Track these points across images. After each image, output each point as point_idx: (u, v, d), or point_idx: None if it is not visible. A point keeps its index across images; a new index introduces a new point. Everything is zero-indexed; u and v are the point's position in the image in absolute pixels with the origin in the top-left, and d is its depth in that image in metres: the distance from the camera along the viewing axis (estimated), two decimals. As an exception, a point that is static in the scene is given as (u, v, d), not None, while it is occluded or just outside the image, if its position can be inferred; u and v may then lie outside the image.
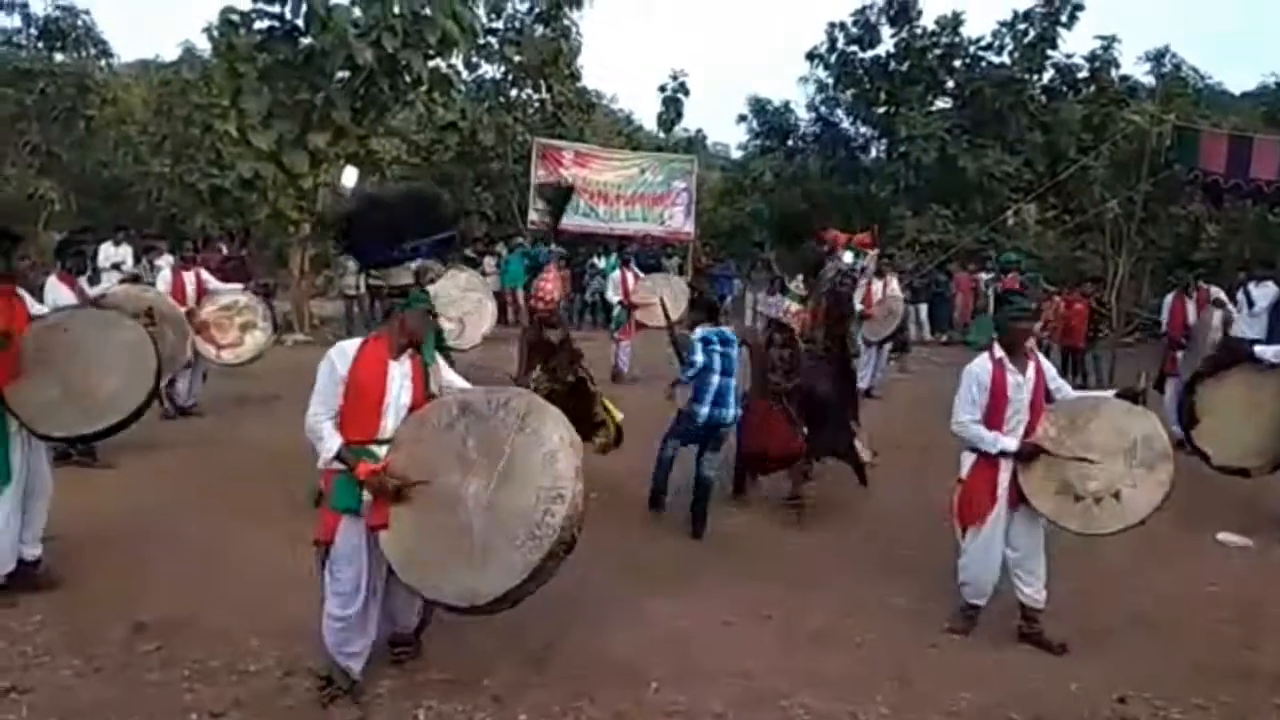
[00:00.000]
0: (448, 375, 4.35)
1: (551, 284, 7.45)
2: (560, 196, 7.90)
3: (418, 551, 3.85)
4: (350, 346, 4.12)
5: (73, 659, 4.36)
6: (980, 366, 4.84)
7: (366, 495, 3.94)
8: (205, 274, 9.65)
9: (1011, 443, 4.78)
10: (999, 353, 4.84)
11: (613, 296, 13.02)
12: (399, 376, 4.09)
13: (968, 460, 4.98)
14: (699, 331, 6.61)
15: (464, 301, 9.61)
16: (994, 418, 4.80)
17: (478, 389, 4.25)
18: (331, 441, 4.00)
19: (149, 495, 6.52)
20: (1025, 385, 4.81)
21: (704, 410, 6.50)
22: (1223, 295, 9.37)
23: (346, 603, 4.02)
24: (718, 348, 6.53)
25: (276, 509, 6.55)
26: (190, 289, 9.32)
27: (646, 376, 11.04)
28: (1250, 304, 9.93)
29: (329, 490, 4.07)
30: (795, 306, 7.19)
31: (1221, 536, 6.62)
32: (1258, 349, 6.78)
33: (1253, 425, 6.63)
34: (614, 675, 4.37)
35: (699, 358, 6.44)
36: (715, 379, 6.49)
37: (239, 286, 9.91)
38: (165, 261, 12.57)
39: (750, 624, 5.08)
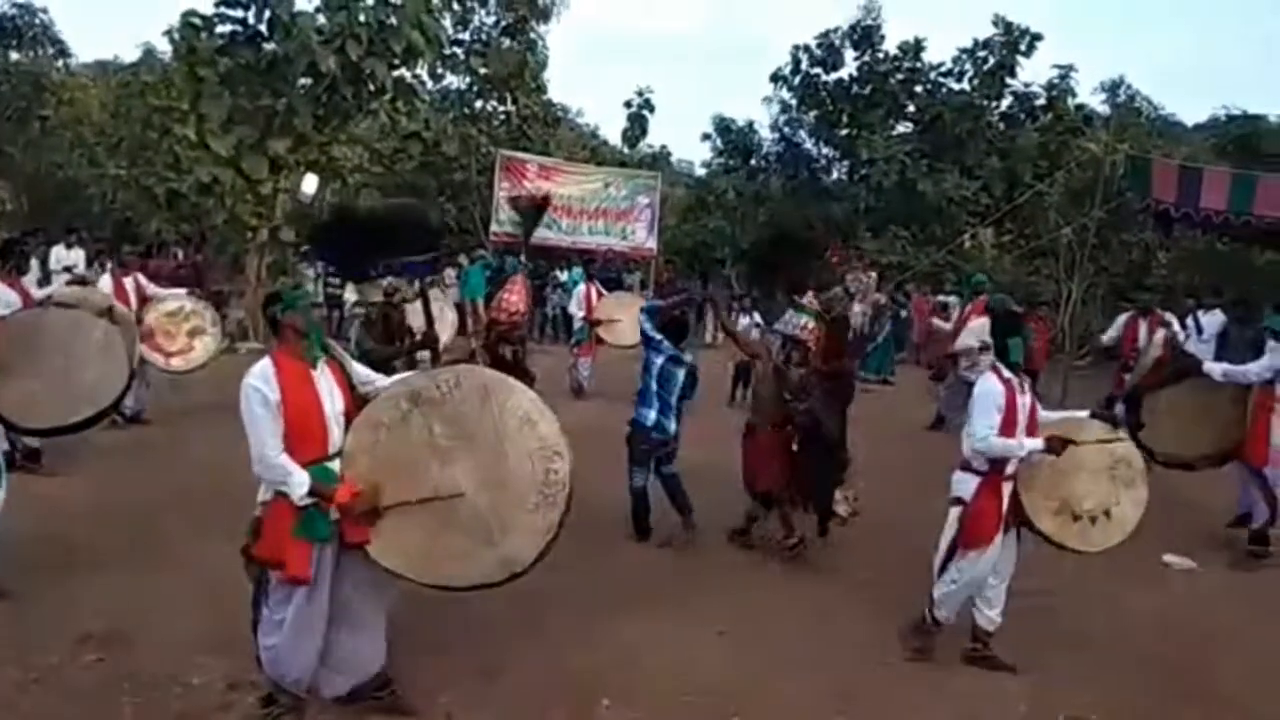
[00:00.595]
0: (361, 372, 4.14)
1: (517, 297, 7.34)
2: (534, 211, 7.88)
3: (432, 550, 3.78)
4: (265, 369, 3.80)
5: (12, 670, 4.26)
6: (993, 385, 4.79)
7: (334, 516, 3.73)
8: (144, 279, 9.46)
9: (1039, 443, 4.77)
10: (1007, 373, 4.85)
11: (576, 312, 12.98)
12: (325, 384, 3.89)
13: (969, 482, 4.85)
14: (660, 336, 6.55)
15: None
16: (1006, 433, 4.78)
17: (417, 374, 4.20)
18: (300, 476, 3.69)
19: (95, 504, 6.38)
20: (1026, 406, 4.85)
21: (651, 414, 6.50)
22: (1173, 320, 9.59)
23: (304, 629, 3.83)
24: (664, 357, 6.51)
25: (223, 521, 6.40)
26: (132, 295, 9.11)
27: (608, 394, 11.02)
28: (1199, 331, 10.16)
29: (291, 521, 3.72)
30: (811, 324, 6.84)
31: (1167, 558, 6.73)
32: (1206, 365, 6.96)
33: (1198, 425, 6.89)
34: (566, 692, 4.34)
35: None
36: (670, 396, 6.51)
37: (183, 291, 9.74)
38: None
39: (702, 641, 5.07)
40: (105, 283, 9.25)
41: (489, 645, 4.62)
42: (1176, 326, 9.70)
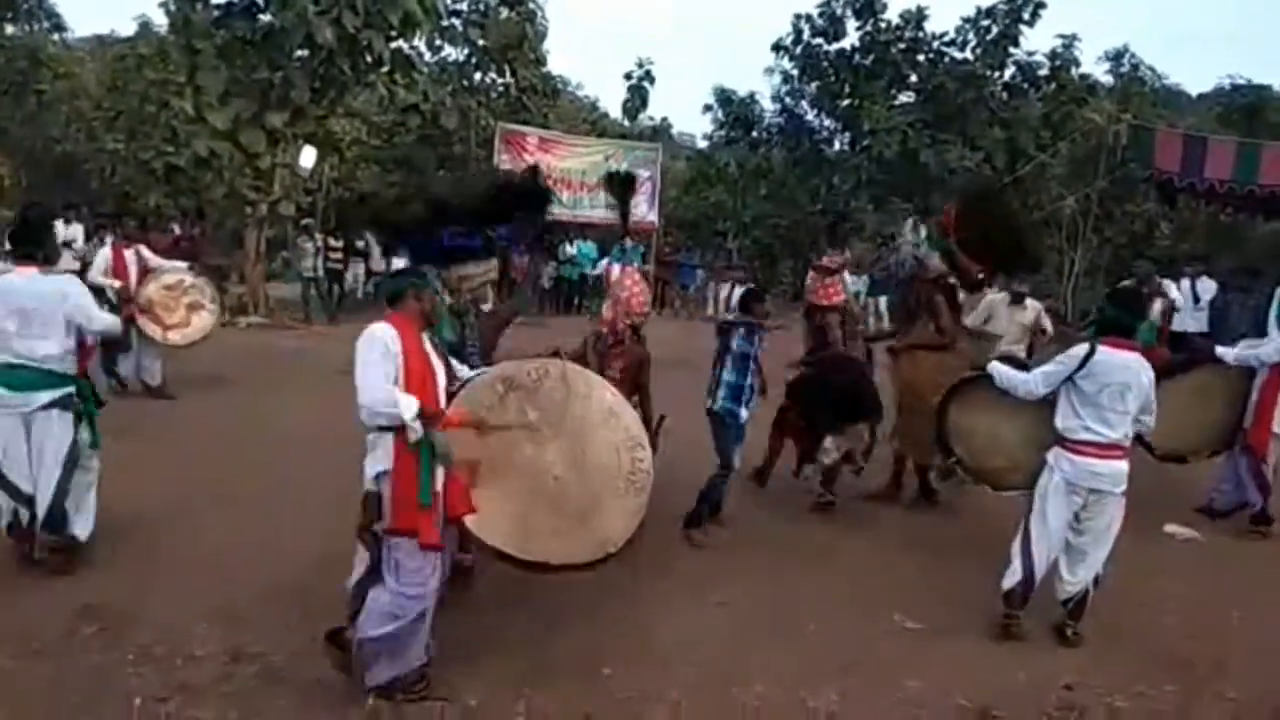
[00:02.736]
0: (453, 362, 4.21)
1: (641, 290, 6.13)
2: (624, 184, 7.18)
3: (529, 527, 3.91)
4: (388, 327, 3.76)
5: (12, 642, 4.26)
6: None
7: (438, 486, 3.74)
8: (147, 251, 9.44)
9: None
10: None
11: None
12: (435, 359, 3.92)
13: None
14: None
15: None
16: None
17: (508, 363, 4.30)
18: (408, 399, 3.64)
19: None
20: None
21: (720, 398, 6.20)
22: (1172, 288, 9.55)
23: (429, 608, 3.84)
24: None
25: (224, 493, 6.45)
26: (132, 268, 9.11)
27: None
28: (1195, 299, 10.12)
29: (410, 486, 3.69)
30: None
31: (1169, 528, 6.73)
32: (1220, 350, 6.86)
33: (1195, 418, 6.77)
34: (566, 661, 4.35)
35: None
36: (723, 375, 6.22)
37: (184, 265, 9.72)
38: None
39: (703, 611, 5.08)
40: (105, 254, 9.22)
41: (487, 614, 4.62)
42: (1174, 294, 9.68)
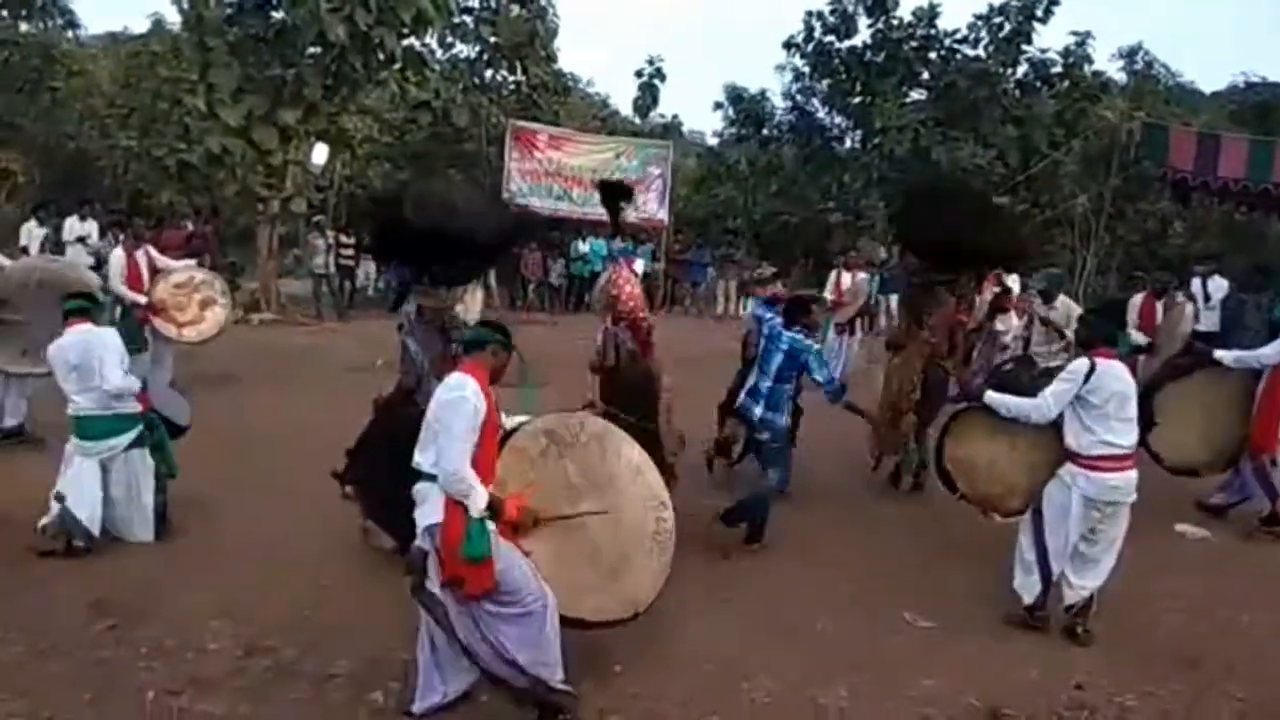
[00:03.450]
0: None
1: (631, 286, 6.22)
2: (617, 193, 7.31)
3: (559, 580, 3.88)
4: (476, 385, 3.76)
5: (26, 636, 4.30)
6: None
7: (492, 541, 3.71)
8: (154, 252, 9.48)
9: None
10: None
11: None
12: (497, 411, 3.94)
13: None
14: (771, 313, 6.31)
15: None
16: None
17: (549, 416, 4.31)
18: (482, 489, 3.71)
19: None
20: None
21: (741, 396, 6.31)
22: (1184, 300, 9.50)
23: (550, 611, 3.80)
24: (764, 334, 6.22)
25: (235, 488, 6.49)
26: (144, 269, 9.14)
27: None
28: (1207, 298, 10.06)
29: (458, 542, 3.64)
30: None
31: (1180, 528, 6.70)
32: (1218, 353, 6.81)
33: (1205, 430, 6.76)
34: (579, 659, 4.35)
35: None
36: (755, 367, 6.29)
37: (191, 262, 9.78)
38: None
39: (712, 609, 5.08)
40: (118, 257, 9.26)
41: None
42: (1189, 306, 9.61)
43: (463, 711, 3.93)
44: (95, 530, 5.37)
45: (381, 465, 4.77)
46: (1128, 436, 4.83)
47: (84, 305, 5.73)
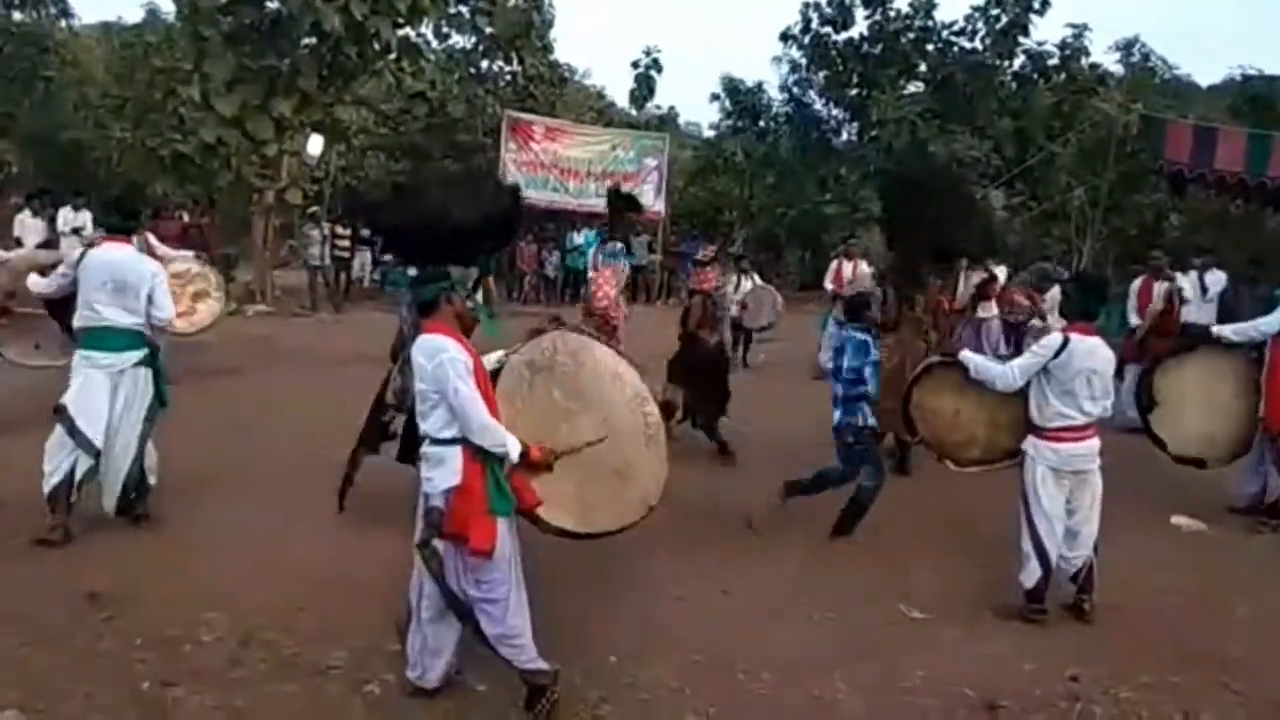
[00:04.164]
0: None
1: (608, 284, 6.94)
2: (624, 200, 7.72)
3: (587, 503, 4.05)
4: (450, 341, 3.72)
5: (22, 628, 4.28)
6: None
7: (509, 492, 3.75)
8: (154, 240, 9.46)
9: None
10: None
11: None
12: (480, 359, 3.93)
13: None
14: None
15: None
16: None
17: (524, 346, 4.32)
18: (514, 438, 3.74)
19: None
20: None
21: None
22: (1180, 279, 9.53)
23: (513, 605, 3.82)
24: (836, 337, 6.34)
25: (231, 479, 6.48)
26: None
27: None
28: (1204, 290, 10.06)
29: (476, 499, 3.68)
30: None
31: (1176, 520, 6.71)
32: (1214, 329, 6.83)
33: (1209, 418, 6.71)
34: (571, 647, 4.35)
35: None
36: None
37: (190, 254, 9.74)
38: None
39: (708, 599, 5.08)
40: None
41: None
42: (1182, 284, 9.63)
43: (457, 698, 3.93)
44: (99, 444, 5.39)
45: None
46: (1091, 411, 4.93)
47: (127, 225, 5.84)
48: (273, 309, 15.89)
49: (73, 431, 5.33)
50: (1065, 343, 4.87)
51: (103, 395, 5.43)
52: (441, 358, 3.66)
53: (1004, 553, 5.52)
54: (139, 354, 5.57)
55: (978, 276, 8.69)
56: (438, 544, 3.76)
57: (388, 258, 17.40)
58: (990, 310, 9.70)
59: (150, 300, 5.53)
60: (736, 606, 5.04)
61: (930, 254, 7.41)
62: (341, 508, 5.99)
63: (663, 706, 4.00)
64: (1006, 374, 5.05)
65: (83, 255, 5.49)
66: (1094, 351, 4.91)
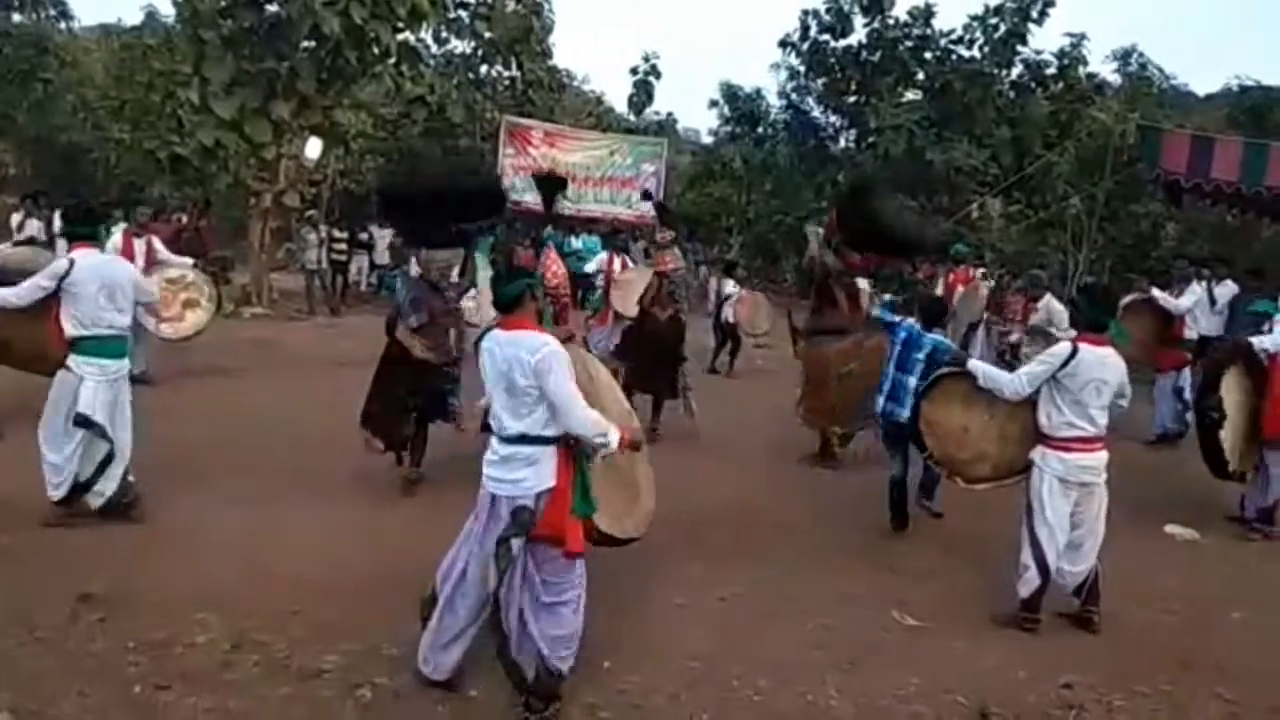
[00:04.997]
0: None
1: (558, 266, 7.68)
2: (552, 185, 8.11)
3: (615, 512, 4.15)
4: (546, 335, 3.81)
5: (14, 629, 4.27)
6: None
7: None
8: (158, 243, 9.47)
9: None
10: None
11: (592, 270, 12.21)
12: None
13: None
14: (899, 318, 6.56)
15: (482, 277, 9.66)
16: None
17: None
18: (614, 431, 3.77)
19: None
20: None
21: (881, 402, 6.45)
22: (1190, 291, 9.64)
23: (581, 606, 3.90)
24: (901, 339, 6.36)
25: (224, 481, 6.46)
26: (140, 257, 9.14)
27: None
28: (1213, 302, 10.09)
29: (566, 500, 3.74)
30: None
31: (1170, 529, 6.73)
32: (1254, 340, 6.82)
33: (1235, 431, 6.73)
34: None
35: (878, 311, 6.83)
36: (892, 371, 6.40)
37: (190, 261, 9.75)
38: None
39: (702, 605, 5.08)
40: (115, 243, 9.24)
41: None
42: (1186, 300, 9.65)
43: (451, 704, 3.92)
44: (123, 448, 5.70)
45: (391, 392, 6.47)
46: (1100, 421, 4.93)
47: (91, 232, 5.93)
48: (269, 312, 15.87)
49: (104, 436, 5.54)
50: (1074, 352, 4.86)
51: (109, 400, 5.60)
52: (544, 351, 3.67)
53: (998, 560, 5.53)
54: (129, 359, 5.86)
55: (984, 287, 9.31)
56: (515, 543, 3.73)
57: (384, 262, 17.52)
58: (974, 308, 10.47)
59: (137, 289, 5.81)
60: (731, 612, 5.04)
61: (878, 256, 8.07)
62: (399, 461, 6.70)
63: (657, 712, 4.00)
64: (1015, 381, 5.05)
65: (70, 267, 5.46)
66: (1104, 361, 4.89)
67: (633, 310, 9.08)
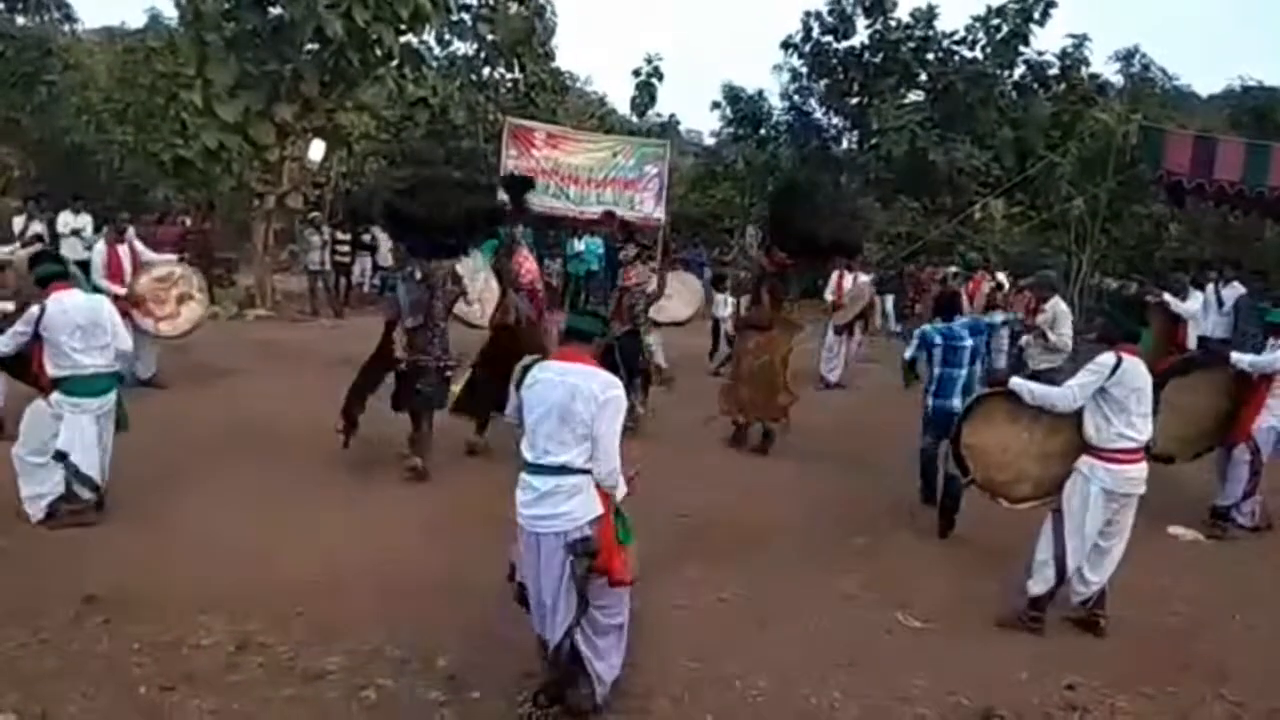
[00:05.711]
0: None
1: (531, 264, 8.06)
2: (519, 184, 8.41)
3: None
4: (613, 378, 3.85)
5: (19, 630, 4.29)
6: None
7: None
8: (139, 245, 9.55)
9: None
10: None
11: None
12: None
13: None
14: (926, 329, 6.92)
15: (476, 283, 9.64)
16: None
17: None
18: (623, 486, 3.89)
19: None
20: None
21: (929, 401, 6.74)
22: (1167, 296, 9.61)
23: (628, 626, 4.01)
24: (938, 343, 6.68)
25: (229, 483, 6.48)
26: (126, 262, 9.22)
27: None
28: (1220, 304, 10.08)
29: (611, 527, 3.79)
30: None
31: (1173, 530, 6.72)
32: (1233, 356, 6.84)
33: (1192, 421, 6.77)
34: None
35: (909, 353, 7.02)
36: (937, 370, 6.70)
37: (173, 257, 9.86)
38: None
39: (705, 608, 5.09)
40: (100, 252, 9.31)
41: (488, 608, 4.59)
42: (1193, 304, 9.65)
43: (453, 706, 3.93)
44: (100, 480, 5.74)
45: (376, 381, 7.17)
46: (1145, 431, 4.93)
47: (63, 270, 6.07)
48: (273, 313, 15.88)
49: (78, 475, 5.61)
50: (1119, 361, 4.86)
51: (93, 434, 5.74)
52: (613, 394, 3.72)
53: (1002, 562, 5.54)
54: (116, 390, 5.97)
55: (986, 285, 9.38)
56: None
57: (387, 264, 17.52)
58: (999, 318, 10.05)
59: (113, 334, 5.86)
60: (731, 613, 5.04)
61: (802, 257, 8.39)
62: (346, 445, 7.06)
63: (662, 713, 4.01)
64: (1067, 394, 5.01)
65: (42, 312, 5.62)
66: (1140, 370, 4.93)
67: (680, 315, 9.92)
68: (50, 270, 5.90)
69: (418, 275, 7.02)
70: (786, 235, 8.33)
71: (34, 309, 5.66)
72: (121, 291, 8.96)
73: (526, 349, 6.62)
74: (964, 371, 6.63)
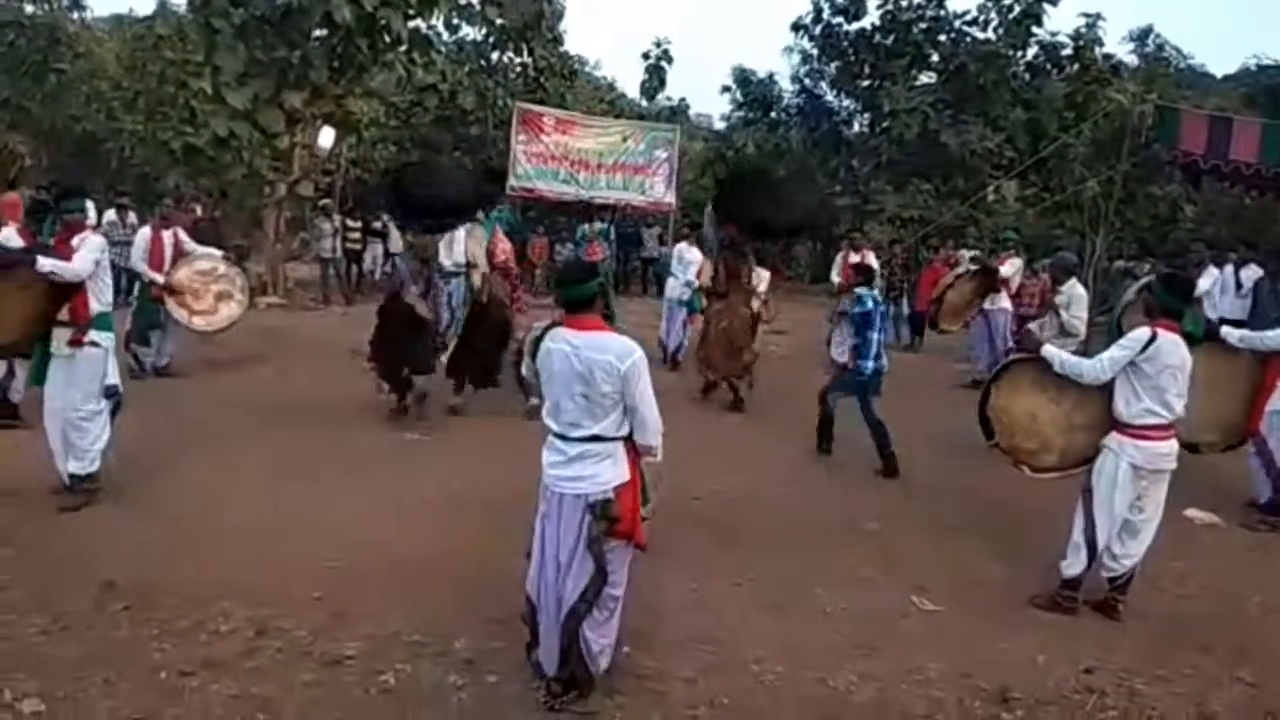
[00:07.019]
0: None
1: (507, 244, 8.84)
2: (494, 173, 9.63)
3: None
4: (628, 339, 3.79)
5: (40, 617, 4.32)
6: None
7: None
8: (183, 234, 9.54)
9: None
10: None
11: (681, 276, 12.00)
12: None
13: None
14: (860, 291, 7.53)
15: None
16: None
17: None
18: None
19: (117, 453, 6.40)
20: None
21: (869, 364, 7.39)
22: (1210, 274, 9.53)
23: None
24: (873, 308, 7.42)
25: (244, 469, 6.51)
26: (169, 250, 9.23)
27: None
28: (1239, 286, 10.01)
29: (638, 493, 3.79)
30: None
31: (1190, 513, 6.69)
32: (1223, 330, 6.74)
33: (1208, 404, 6.65)
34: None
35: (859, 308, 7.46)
36: (874, 335, 7.41)
37: (218, 253, 9.80)
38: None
39: (720, 591, 5.09)
40: (144, 235, 9.33)
41: (504, 592, 4.60)
42: (1204, 283, 9.59)
43: (469, 689, 3.94)
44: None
45: (389, 345, 7.98)
46: (1177, 408, 4.87)
47: (81, 205, 6.29)
48: (285, 301, 15.92)
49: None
50: (1153, 337, 4.79)
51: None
52: (635, 358, 3.66)
53: (1018, 545, 5.53)
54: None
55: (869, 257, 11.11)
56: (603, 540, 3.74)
57: (398, 250, 17.55)
58: (999, 303, 10.83)
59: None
60: (749, 597, 5.04)
61: (753, 233, 9.39)
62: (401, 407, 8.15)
63: (676, 697, 4.01)
64: (1096, 366, 4.95)
65: (104, 242, 5.95)
66: (1178, 347, 4.85)
67: None
68: (70, 207, 6.05)
69: (412, 250, 8.00)
70: (732, 216, 9.44)
71: (96, 238, 5.88)
72: (160, 279, 9.02)
73: (491, 325, 8.30)
74: (879, 335, 7.47)
